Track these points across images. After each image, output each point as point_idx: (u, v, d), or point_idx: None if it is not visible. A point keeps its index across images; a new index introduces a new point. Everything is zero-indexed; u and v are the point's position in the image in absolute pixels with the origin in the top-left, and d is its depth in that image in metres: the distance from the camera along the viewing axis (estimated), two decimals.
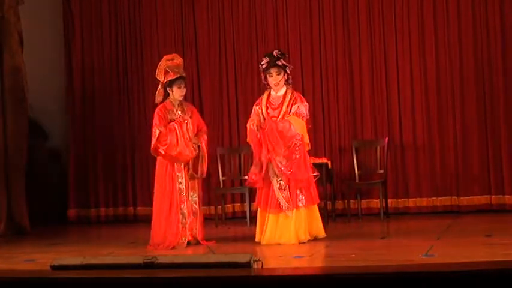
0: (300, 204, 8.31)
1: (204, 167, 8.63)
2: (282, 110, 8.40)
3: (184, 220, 8.50)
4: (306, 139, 8.40)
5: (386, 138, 10.77)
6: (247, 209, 10.60)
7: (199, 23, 11.63)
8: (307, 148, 8.50)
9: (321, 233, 8.55)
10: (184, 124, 8.59)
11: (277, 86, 8.47)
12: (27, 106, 10.69)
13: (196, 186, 8.64)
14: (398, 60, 11.06)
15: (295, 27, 11.35)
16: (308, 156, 8.55)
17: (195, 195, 8.63)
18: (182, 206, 8.51)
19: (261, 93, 11.31)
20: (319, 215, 8.62)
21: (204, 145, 8.66)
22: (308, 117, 8.49)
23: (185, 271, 5.29)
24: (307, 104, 8.49)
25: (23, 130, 10.60)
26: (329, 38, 11.24)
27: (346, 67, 11.20)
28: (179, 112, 8.66)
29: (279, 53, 8.55)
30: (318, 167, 9.86)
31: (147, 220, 11.34)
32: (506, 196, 10.59)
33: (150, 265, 5.44)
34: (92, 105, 11.84)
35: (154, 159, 11.55)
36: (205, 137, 8.74)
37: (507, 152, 10.64)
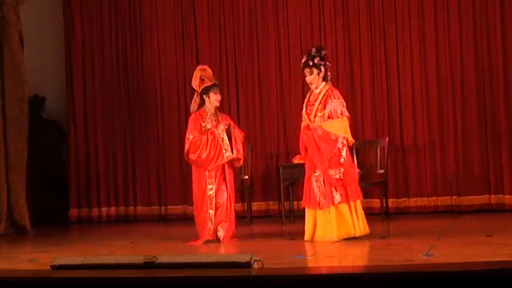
0: (336, 202, 8.28)
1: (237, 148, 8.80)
2: (314, 107, 8.42)
3: (210, 224, 8.66)
4: (349, 137, 8.42)
5: (387, 138, 10.75)
6: (247, 208, 10.62)
7: (199, 22, 11.62)
8: (351, 144, 8.58)
9: (351, 232, 8.31)
10: (218, 134, 8.70)
11: (312, 85, 8.53)
12: (28, 106, 10.68)
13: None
14: (399, 60, 11.06)
15: (295, 27, 11.34)
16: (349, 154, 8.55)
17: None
18: (210, 211, 8.67)
19: (262, 92, 11.43)
20: (350, 214, 8.36)
21: (235, 134, 8.79)
22: (347, 114, 8.44)
23: (185, 271, 5.28)
24: (342, 100, 8.47)
25: (23, 130, 10.59)
26: (329, 38, 11.22)
27: (347, 67, 11.19)
28: (213, 122, 8.81)
29: (315, 50, 8.58)
30: None
31: (147, 220, 11.41)
32: (506, 196, 10.58)
33: (150, 265, 5.44)
34: (93, 105, 11.83)
35: (155, 159, 11.64)
36: (240, 137, 8.87)
37: (507, 152, 10.64)
